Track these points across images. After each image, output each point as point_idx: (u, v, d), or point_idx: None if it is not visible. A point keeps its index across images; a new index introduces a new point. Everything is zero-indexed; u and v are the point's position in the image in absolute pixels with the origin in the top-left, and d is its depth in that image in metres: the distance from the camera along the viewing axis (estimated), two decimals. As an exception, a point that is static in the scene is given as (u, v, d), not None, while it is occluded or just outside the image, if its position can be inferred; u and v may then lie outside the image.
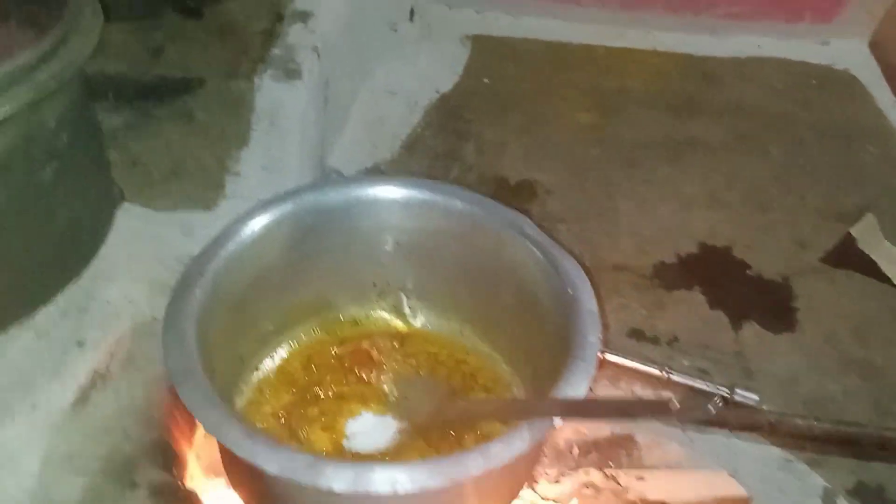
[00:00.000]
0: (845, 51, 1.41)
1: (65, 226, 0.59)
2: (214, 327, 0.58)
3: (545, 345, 0.60)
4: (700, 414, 0.41)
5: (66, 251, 0.62)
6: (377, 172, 1.17)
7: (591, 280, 0.59)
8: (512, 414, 0.52)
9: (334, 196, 0.65)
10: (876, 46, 1.40)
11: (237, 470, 0.53)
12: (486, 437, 0.58)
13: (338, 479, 0.44)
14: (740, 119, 1.28)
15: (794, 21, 1.42)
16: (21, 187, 0.53)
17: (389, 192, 0.66)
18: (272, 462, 0.45)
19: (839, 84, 1.36)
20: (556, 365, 0.56)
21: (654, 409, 0.41)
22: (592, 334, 0.54)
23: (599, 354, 0.84)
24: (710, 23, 1.42)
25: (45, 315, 0.62)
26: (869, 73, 1.37)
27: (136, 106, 0.93)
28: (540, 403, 0.49)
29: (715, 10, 1.41)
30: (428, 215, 0.66)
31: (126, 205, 0.79)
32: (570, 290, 0.57)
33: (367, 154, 1.20)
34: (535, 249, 0.61)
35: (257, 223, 0.62)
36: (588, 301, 0.56)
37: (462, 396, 0.62)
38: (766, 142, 1.24)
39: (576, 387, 0.51)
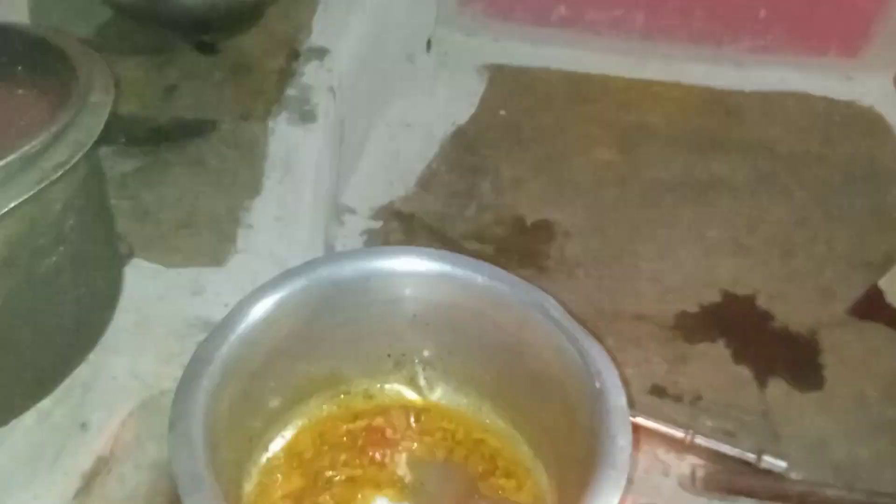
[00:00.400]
0: (870, 86, 1.37)
1: (72, 311, 0.56)
2: (222, 413, 0.55)
3: (570, 434, 0.57)
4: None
5: (74, 336, 0.58)
6: (392, 210, 1.15)
7: (610, 332, 0.55)
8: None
9: (349, 268, 0.62)
10: (902, 82, 1.36)
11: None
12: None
13: None
14: (763, 158, 1.24)
15: (818, 55, 1.38)
16: (25, 277, 0.50)
17: (408, 264, 0.63)
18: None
19: (863, 122, 1.32)
20: (582, 461, 0.53)
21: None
22: (623, 437, 0.50)
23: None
24: (734, 55, 1.38)
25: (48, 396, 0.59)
26: (893, 109, 1.33)
27: (148, 150, 0.90)
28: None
29: (739, 43, 1.38)
30: (447, 289, 0.62)
31: (135, 261, 0.76)
32: (597, 384, 0.53)
33: (382, 191, 1.17)
34: (560, 334, 0.57)
35: (268, 301, 0.59)
36: (617, 396, 0.53)
37: (482, 486, 0.59)
38: (790, 183, 1.20)
39: (606, 500, 0.47)
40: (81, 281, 0.55)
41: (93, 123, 0.49)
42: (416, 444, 0.64)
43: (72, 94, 0.50)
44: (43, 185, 0.45)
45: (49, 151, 0.46)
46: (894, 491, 0.82)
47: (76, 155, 0.47)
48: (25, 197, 0.44)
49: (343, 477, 0.61)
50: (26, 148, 0.45)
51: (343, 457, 0.63)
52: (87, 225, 0.55)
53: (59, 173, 0.46)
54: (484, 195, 1.19)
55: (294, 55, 1.03)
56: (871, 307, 1.01)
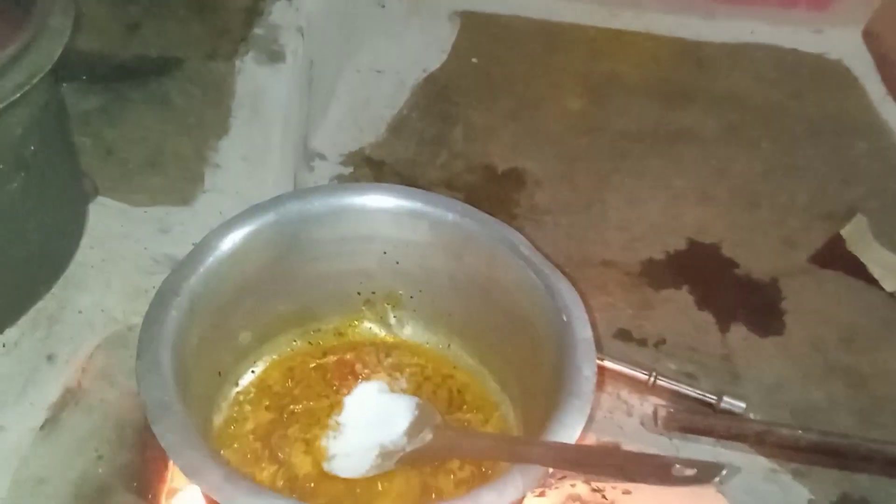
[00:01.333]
0: (839, 40, 1.38)
1: (35, 239, 0.55)
2: (192, 345, 0.55)
3: (537, 368, 0.57)
4: (701, 479, 0.38)
5: (38, 265, 0.58)
6: (362, 157, 1.14)
7: (579, 286, 0.56)
8: (504, 455, 0.50)
9: (320, 204, 0.62)
10: (869, 36, 1.37)
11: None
12: (474, 467, 0.57)
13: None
14: (732, 110, 1.25)
15: (788, 7, 1.38)
16: (-15, 203, 0.49)
17: (378, 200, 0.63)
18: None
19: (831, 75, 1.34)
20: (548, 393, 0.54)
21: (657, 475, 0.39)
22: (588, 368, 0.51)
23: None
24: (705, 6, 1.38)
25: (14, 328, 0.58)
26: (862, 63, 1.35)
27: (111, 87, 0.88)
28: (535, 448, 0.46)
29: (710, -6, 1.37)
30: (418, 226, 0.62)
31: (100, 199, 0.75)
32: (564, 317, 0.54)
33: (352, 137, 1.16)
34: (528, 269, 0.58)
35: (237, 235, 0.58)
36: (583, 329, 0.54)
37: (449, 420, 0.60)
38: (758, 135, 1.21)
39: (570, 427, 0.48)
40: (45, 210, 0.54)
41: (52, 46, 0.48)
42: (385, 380, 0.64)
43: (31, 17, 0.48)
44: (1, 107, 0.44)
45: (8, 73, 0.45)
46: (846, 431, 0.85)
47: (35, 76, 0.46)
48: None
49: (312, 408, 0.61)
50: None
51: (312, 391, 0.63)
52: (49, 154, 0.54)
53: (18, 95, 0.45)
54: (455, 143, 1.18)
55: (262, -6, 1.01)
56: (831, 255, 1.03)
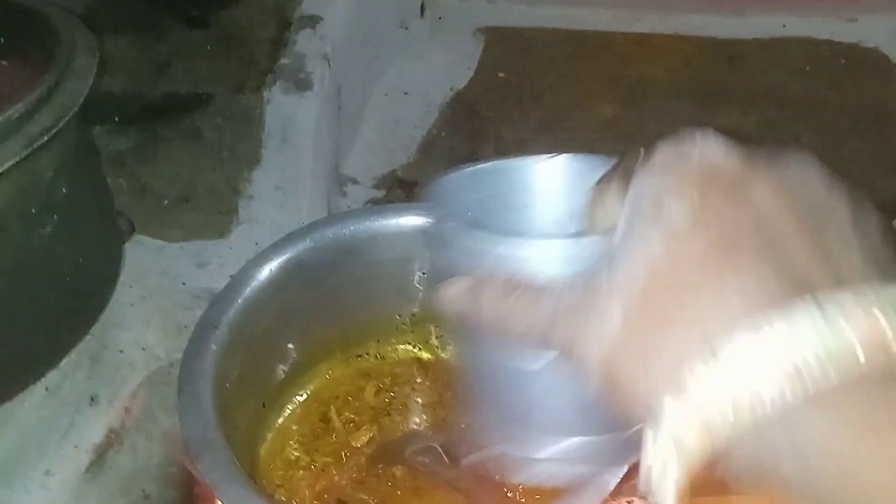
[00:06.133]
0: (873, 27, 1.34)
1: (71, 281, 0.55)
2: (233, 378, 0.54)
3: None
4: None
5: (76, 307, 0.57)
6: (394, 179, 1.13)
7: None
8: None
9: (355, 229, 0.61)
10: (906, 21, 1.33)
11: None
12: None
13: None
14: (769, 106, 1.22)
15: (819, -2, 1.35)
16: (19, 248, 0.49)
17: (412, 220, 0.61)
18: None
19: (869, 63, 1.30)
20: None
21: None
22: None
23: None
24: (733, 3, 1.35)
25: (55, 371, 0.58)
26: (900, 49, 1.31)
27: (143, 126, 0.89)
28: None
29: (737, -10, 1.35)
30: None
31: (137, 237, 0.75)
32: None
33: (384, 160, 1.16)
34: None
35: (273, 264, 0.57)
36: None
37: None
38: (798, 129, 1.18)
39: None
40: (79, 252, 0.54)
41: (78, 86, 0.48)
42: (428, 408, 0.63)
43: (56, 59, 0.48)
44: (31, 150, 0.44)
45: (35, 116, 0.45)
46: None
47: (63, 118, 0.46)
48: (13, 162, 0.43)
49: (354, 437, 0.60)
50: (10, 112, 0.43)
51: (357, 417, 0.62)
52: (81, 195, 0.54)
53: (46, 138, 0.44)
54: (487, 158, 1.17)
55: (286, 24, 1.02)
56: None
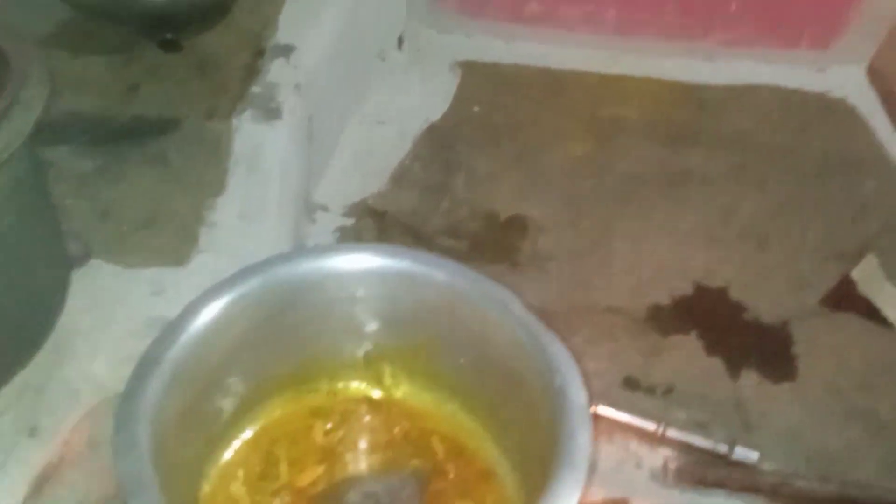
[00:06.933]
0: (842, 78, 1.35)
1: (13, 311, 0.53)
2: (174, 416, 0.53)
3: (533, 432, 0.55)
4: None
5: (15, 338, 0.56)
6: (364, 207, 1.13)
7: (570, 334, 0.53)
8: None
9: (307, 267, 0.60)
10: (874, 73, 1.35)
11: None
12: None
13: None
14: (737, 150, 1.22)
15: (790, 48, 1.36)
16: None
17: (366, 261, 0.61)
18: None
19: (837, 113, 1.31)
20: (543, 459, 0.51)
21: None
22: (582, 436, 0.49)
23: (593, 409, 0.81)
24: (706, 49, 1.36)
25: (-5, 400, 0.56)
26: (867, 101, 1.32)
27: (110, 149, 0.88)
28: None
29: (710, 37, 1.36)
30: (407, 287, 0.60)
31: (93, 262, 0.73)
32: (557, 382, 0.51)
33: (355, 188, 1.15)
34: (521, 330, 0.56)
35: (222, 301, 0.56)
36: (577, 394, 0.51)
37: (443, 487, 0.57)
38: (764, 175, 1.19)
39: (565, 500, 0.45)
40: (20, 281, 0.53)
41: (25, 118, 0.47)
42: (379, 445, 0.62)
43: (4, 90, 0.47)
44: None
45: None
46: (866, 481, 0.81)
47: (7, 150, 0.45)
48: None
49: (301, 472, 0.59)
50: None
51: (303, 457, 0.61)
52: (29, 226, 0.53)
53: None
54: (458, 191, 1.16)
55: (259, 52, 1.01)
56: (843, 298, 1.00)
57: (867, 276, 0.99)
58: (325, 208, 1.11)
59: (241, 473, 0.60)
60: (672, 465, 0.82)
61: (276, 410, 0.63)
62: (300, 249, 0.83)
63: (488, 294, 0.58)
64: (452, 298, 0.59)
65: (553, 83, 1.34)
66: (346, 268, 0.60)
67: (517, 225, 1.12)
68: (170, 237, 0.79)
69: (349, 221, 1.10)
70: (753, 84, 1.33)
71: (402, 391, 0.65)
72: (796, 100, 1.32)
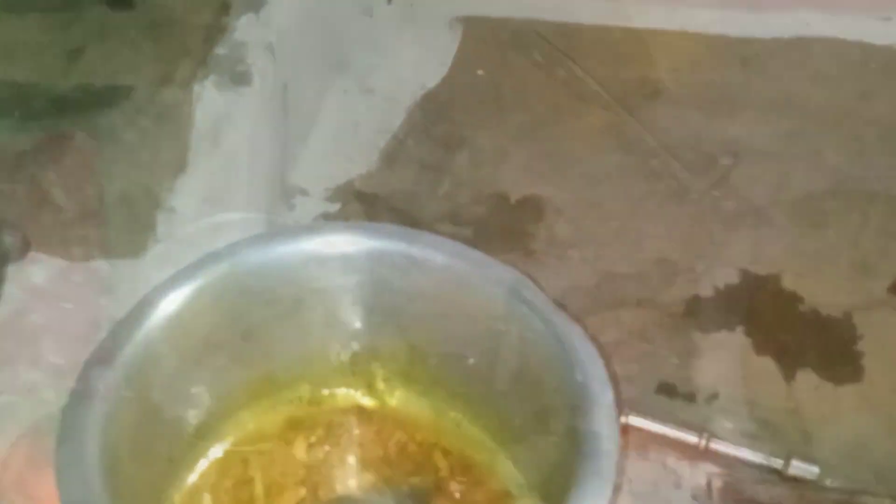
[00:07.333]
0: (911, 28, 1.36)
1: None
2: (128, 428, 0.53)
3: (548, 437, 0.55)
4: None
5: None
6: (351, 191, 1.13)
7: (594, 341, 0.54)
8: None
9: (280, 252, 0.60)
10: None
11: None
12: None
13: None
14: (788, 116, 1.23)
15: (849, -6, 1.36)
16: None
17: (354, 243, 0.61)
18: None
19: (905, 70, 1.31)
20: (562, 469, 0.51)
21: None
22: (608, 440, 0.49)
23: (623, 419, 0.82)
24: (748, -3, 1.37)
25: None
26: (941, 55, 1.32)
27: (49, 123, 0.88)
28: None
29: (754, -18, 1.36)
30: (403, 271, 0.61)
31: (32, 255, 0.74)
32: (578, 376, 0.52)
33: (340, 168, 1.16)
34: (534, 317, 0.56)
35: (182, 292, 0.57)
36: (601, 391, 0.51)
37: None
38: (820, 144, 1.19)
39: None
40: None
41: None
42: (370, 460, 0.62)
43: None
44: None
45: None
46: (947, 497, 0.81)
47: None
48: None
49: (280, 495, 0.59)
50: None
51: (282, 477, 0.61)
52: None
53: None
54: (460, 170, 1.17)
55: (224, 7, 1.02)
56: (915, 284, 1.00)
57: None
58: (304, 192, 1.12)
59: (208, 499, 0.60)
60: (717, 484, 0.82)
61: (249, 423, 0.64)
62: (274, 231, 0.84)
63: (495, 278, 0.58)
64: (453, 285, 0.59)
65: (569, 40, 1.34)
66: (327, 251, 0.61)
67: (530, 207, 1.13)
68: (121, 225, 0.80)
69: (333, 207, 1.11)
70: (805, 37, 1.33)
71: (397, 398, 0.66)
72: (858, 55, 1.32)
